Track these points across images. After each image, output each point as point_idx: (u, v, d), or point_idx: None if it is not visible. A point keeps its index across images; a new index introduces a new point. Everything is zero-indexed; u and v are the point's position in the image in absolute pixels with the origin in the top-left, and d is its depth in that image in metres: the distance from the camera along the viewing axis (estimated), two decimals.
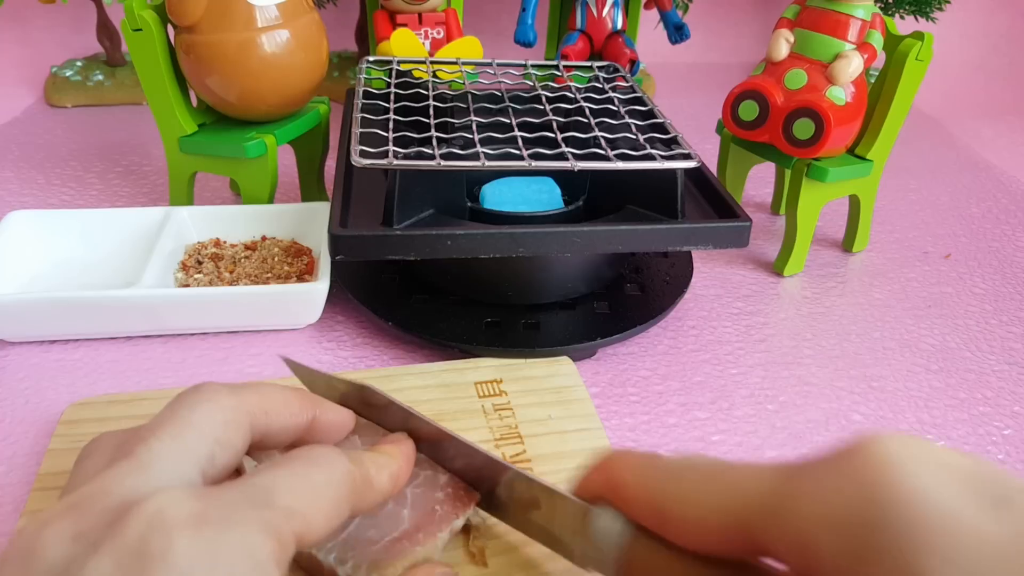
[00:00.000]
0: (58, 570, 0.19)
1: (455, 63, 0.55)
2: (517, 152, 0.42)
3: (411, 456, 0.30)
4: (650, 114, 0.50)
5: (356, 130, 0.43)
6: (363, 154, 0.41)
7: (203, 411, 0.24)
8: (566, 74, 0.55)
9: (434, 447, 0.31)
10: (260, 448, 0.27)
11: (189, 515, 0.20)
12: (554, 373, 0.42)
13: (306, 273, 0.49)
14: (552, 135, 0.44)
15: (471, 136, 0.44)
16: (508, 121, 0.47)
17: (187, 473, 0.23)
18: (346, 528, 0.29)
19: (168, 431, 0.24)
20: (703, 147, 0.53)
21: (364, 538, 0.28)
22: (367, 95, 0.49)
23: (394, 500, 0.30)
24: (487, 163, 0.41)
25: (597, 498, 0.26)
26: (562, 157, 0.42)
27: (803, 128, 0.49)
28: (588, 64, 0.57)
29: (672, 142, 0.46)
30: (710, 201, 0.46)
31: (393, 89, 0.50)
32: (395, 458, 0.29)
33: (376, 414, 0.32)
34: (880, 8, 0.81)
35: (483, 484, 0.31)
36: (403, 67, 0.54)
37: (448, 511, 0.30)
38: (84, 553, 0.19)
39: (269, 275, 0.48)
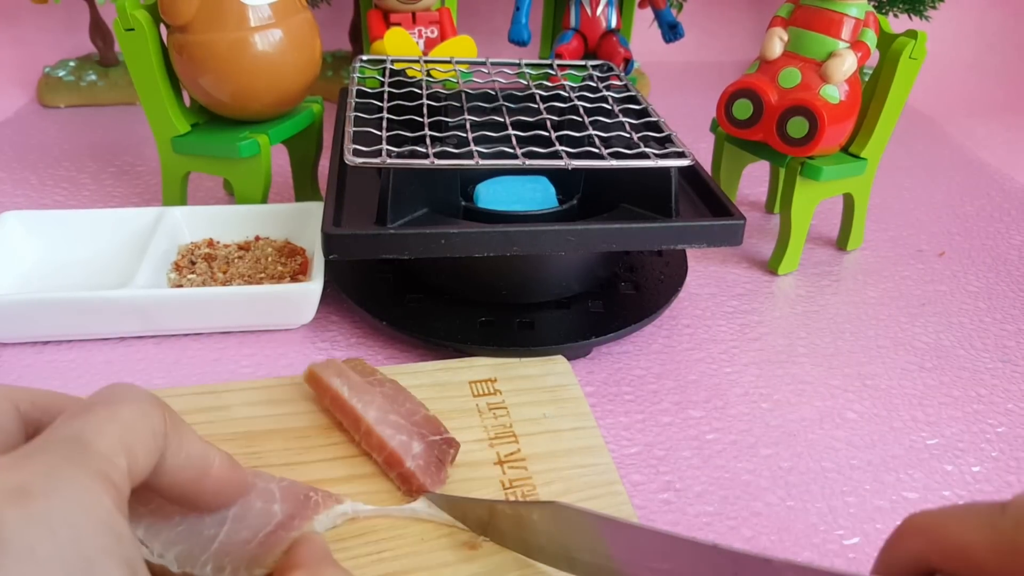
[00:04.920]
0: None
1: (449, 62, 0.55)
2: (511, 151, 0.42)
3: (237, 469, 0.28)
4: (644, 113, 0.50)
5: (349, 129, 0.43)
6: (356, 153, 0.41)
7: None
8: (560, 73, 0.55)
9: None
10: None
11: (10, 492, 0.19)
12: (548, 372, 0.42)
13: (300, 273, 0.49)
14: (546, 134, 0.44)
15: (465, 135, 0.44)
16: (502, 120, 0.47)
17: None
18: (216, 537, 0.28)
19: None
20: (697, 146, 0.53)
21: (238, 540, 0.28)
22: (361, 94, 0.49)
23: (262, 499, 0.30)
24: (481, 162, 0.41)
25: (914, 572, 0.22)
26: (556, 156, 0.42)
27: (797, 127, 0.49)
28: (582, 63, 0.57)
29: (666, 141, 0.46)
30: (704, 199, 0.46)
31: (387, 88, 0.50)
32: (216, 450, 0.27)
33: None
34: (874, 7, 0.81)
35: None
36: (397, 66, 0.54)
37: (326, 496, 0.30)
38: None
39: (263, 275, 0.48)
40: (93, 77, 0.81)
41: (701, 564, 0.24)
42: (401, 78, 0.52)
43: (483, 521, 0.31)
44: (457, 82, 0.54)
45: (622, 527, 0.26)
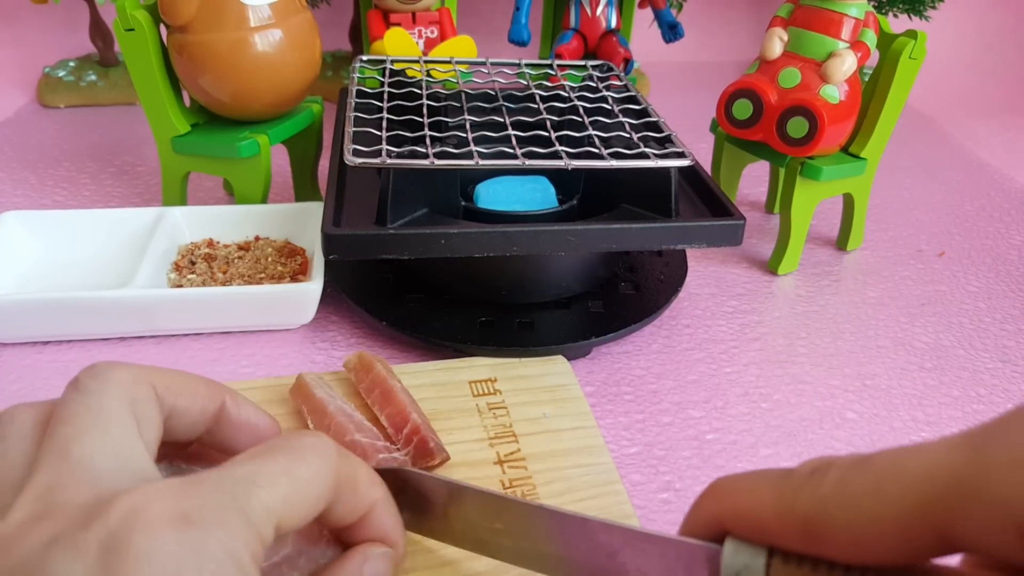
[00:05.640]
0: (34, 571, 0.19)
1: (449, 62, 0.55)
2: (511, 151, 0.42)
3: (392, 522, 0.28)
4: (644, 113, 0.50)
5: (349, 129, 0.43)
6: (356, 153, 0.41)
7: (111, 396, 0.23)
8: (560, 73, 0.55)
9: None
10: (169, 436, 0.26)
11: (173, 515, 0.20)
12: (548, 372, 0.42)
13: (300, 273, 0.49)
14: (546, 134, 0.44)
15: (465, 135, 0.44)
16: (502, 120, 0.47)
17: (133, 459, 0.22)
18: None
19: (88, 424, 0.22)
20: (697, 146, 0.53)
21: None
22: (361, 94, 0.49)
23: None
24: (481, 162, 0.41)
25: (710, 534, 0.23)
26: (556, 156, 0.42)
27: (797, 127, 0.49)
28: (582, 63, 0.57)
29: (666, 141, 0.46)
30: (704, 200, 0.46)
31: (387, 88, 0.50)
32: (385, 487, 0.27)
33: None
34: (874, 7, 0.81)
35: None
36: (397, 66, 0.54)
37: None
38: (64, 556, 0.19)
39: (262, 275, 0.48)
40: (93, 77, 0.81)
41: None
42: (401, 78, 0.52)
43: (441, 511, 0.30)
44: (457, 82, 0.54)
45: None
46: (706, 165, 0.51)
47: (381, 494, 0.27)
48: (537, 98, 0.50)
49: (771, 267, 0.56)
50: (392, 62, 0.54)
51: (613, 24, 0.70)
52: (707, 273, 0.55)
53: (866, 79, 0.54)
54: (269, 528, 0.22)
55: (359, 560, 0.26)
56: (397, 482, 0.29)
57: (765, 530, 0.21)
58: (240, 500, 0.21)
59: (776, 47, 0.51)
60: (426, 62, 0.55)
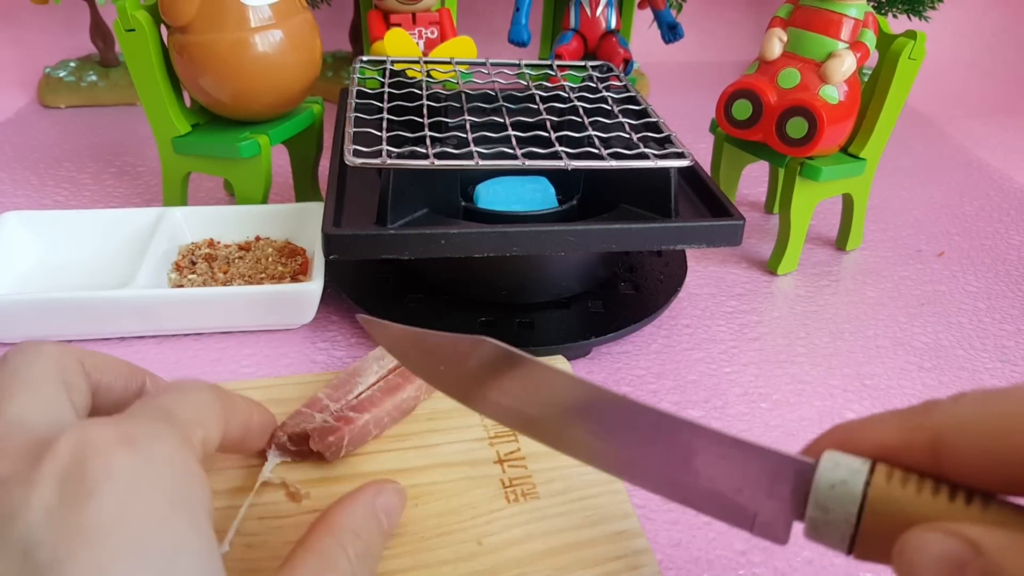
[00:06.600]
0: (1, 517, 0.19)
1: (449, 63, 0.55)
2: (511, 151, 0.42)
3: (267, 414, 0.33)
4: (644, 113, 0.50)
5: (350, 129, 0.43)
6: (356, 153, 0.41)
7: (40, 365, 0.25)
8: (560, 74, 0.55)
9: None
10: (96, 411, 0.27)
11: (116, 436, 0.21)
12: None
13: (300, 273, 0.49)
14: (546, 134, 0.44)
15: (465, 135, 0.44)
16: (502, 120, 0.47)
17: (64, 416, 0.24)
18: None
19: (18, 389, 0.23)
20: (697, 146, 0.53)
21: None
22: (361, 95, 0.49)
23: None
24: (481, 162, 0.41)
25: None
26: (556, 156, 0.42)
27: (796, 127, 0.49)
28: (582, 64, 0.57)
29: (666, 141, 0.46)
30: (704, 200, 0.46)
31: (387, 89, 0.50)
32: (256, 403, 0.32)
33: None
34: (873, 7, 0.81)
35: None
36: (397, 67, 0.54)
37: None
38: (21, 491, 0.19)
39: (263, 275, 0.48)
40: (94, 78, 0.81)
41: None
42: (401, 79, 0.53)
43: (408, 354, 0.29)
44: (457, 83, 0.54)
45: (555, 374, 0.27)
46: (706, 165, 0.51)
47: (256, 403, 0.32)
48: (537, 98, 0.50)
49: (771, 267, 0.56)
50: (392, 63, 0.54)
51: (613, 25, 0.70)
52: (707, 273, 0.55)
53: (865, 79, 0.54)
54: (197, 439, 0.24)
55: (372, 492, 0.29)
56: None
57: (885, 446, 0.21)
58: (166, 420, 0.24)
59: (775, 47, 0.51)
60: (426, 63, 0.55)
